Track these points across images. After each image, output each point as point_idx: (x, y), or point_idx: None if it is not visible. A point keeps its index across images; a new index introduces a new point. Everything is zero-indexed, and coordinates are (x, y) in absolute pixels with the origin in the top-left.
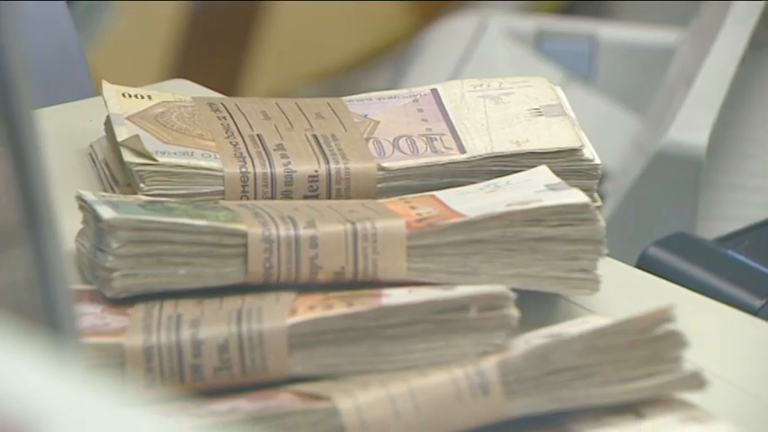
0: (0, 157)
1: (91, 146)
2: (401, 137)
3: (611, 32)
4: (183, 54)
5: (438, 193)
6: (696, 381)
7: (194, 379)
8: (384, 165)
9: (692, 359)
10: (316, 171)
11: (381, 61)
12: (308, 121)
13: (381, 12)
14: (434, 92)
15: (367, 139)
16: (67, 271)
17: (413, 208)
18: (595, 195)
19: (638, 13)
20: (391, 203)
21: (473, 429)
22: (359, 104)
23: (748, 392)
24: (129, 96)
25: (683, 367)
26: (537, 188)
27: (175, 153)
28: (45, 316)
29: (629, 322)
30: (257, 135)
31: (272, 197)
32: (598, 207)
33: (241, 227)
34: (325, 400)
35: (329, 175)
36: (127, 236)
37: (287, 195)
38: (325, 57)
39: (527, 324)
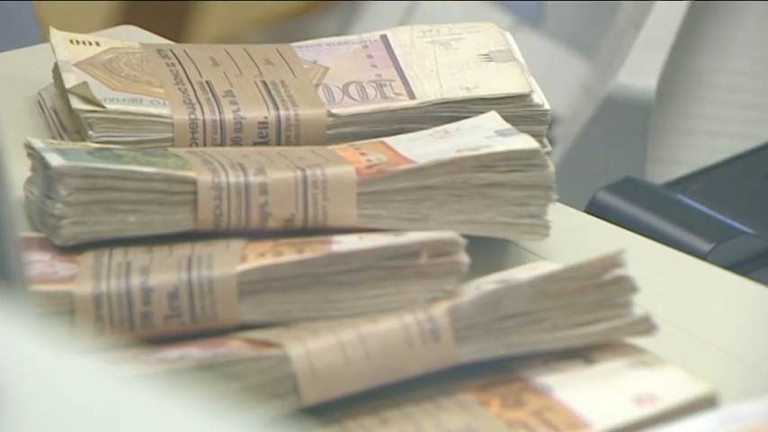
0: None
1: (39, 93)
2: (351, 83)
3: None
4: (131, 0)
5: (388, 140)
6: (645, 325)
7: (144, 326)
8: (334, 111)
9: (641, 304)
10: (265, 118)
11: (330, 7)
12: (258, 67)
13: None
14: (384, 38)
15: (316, 86)
16: (16, 219)
17: (363, 154)
18: (545, 141)
19: None
20: (341, 150)
21: (423, 375)
22: (308, 51)
23: (697, 336)
24: (78, 43)
25: (632, 312)
26: (487, 134)
27: (124, 100)
28: None
29: (578, 268)
30: (206, 82)
31: (222, 144)
32: (547, 152)
33: (190, 174)
34: (275, 346)
35: (279, 121)
36: (76, 183)
37: (236, 142)
38: (273, 2)
39: (477, 270)
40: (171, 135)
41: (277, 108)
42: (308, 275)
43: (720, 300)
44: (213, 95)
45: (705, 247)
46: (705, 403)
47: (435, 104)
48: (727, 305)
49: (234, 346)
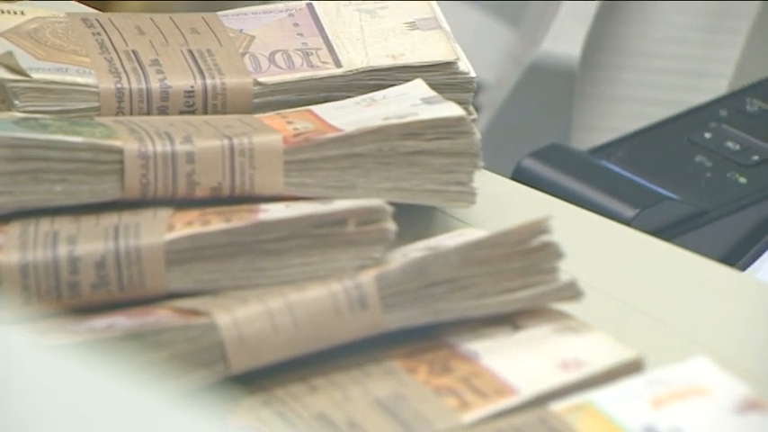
0: None
1: None
2: (277, 51)
3: None
4: None
5: (315, 108)
6: (572, 291)
7: (71, 296)
8: (260, 79)
9: (567, 270)
10: (192, 86)
11: None
12: (184, 36)
13: None
14: (310, 6)
15: (243, 54)
16: None
17: (289, 123)
18: (471, 108)
19: None
20: (268, 118)
21: (351, 342)
22: (234, 19)
23: (622, 302)
24: (2, 12)
25: (558, 278)
26: (413, 102)
27: (50, 69)
28: None
29: (504, 234)
30: (132, 51)
31: (148, 113)
32: (473, 120)
33: (117, 143)
34: (203, 315)
35: (205, 90)
36: (1, 153)
37: (163, 111)
38: None
39: (404, 237)
40: (97, 104)
41: (203, 77)
42: (236, 244)
43: (645, 265)
44: (139, 64)
45: (630, 212)
46: (631, 368)
47: (362, 72)
48: (652, 270)
49: (161, 315)
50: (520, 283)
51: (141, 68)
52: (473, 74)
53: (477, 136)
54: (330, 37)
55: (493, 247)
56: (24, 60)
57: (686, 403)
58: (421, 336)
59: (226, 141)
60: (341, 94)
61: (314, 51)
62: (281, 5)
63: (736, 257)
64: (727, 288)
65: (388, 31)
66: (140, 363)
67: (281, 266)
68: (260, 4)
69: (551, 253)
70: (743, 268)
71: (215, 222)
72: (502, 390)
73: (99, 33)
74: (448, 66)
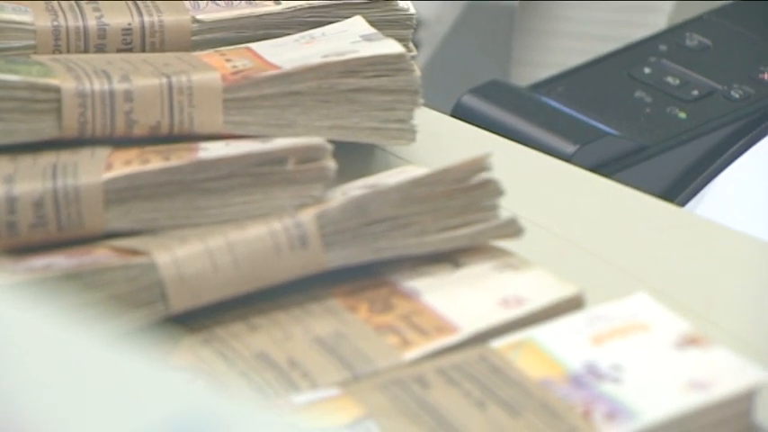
0: None
1: None
2: None
3: None
4: None
5: (253, 46)
6: (512, 228)
7: (9, 236)
8: (198, 17)
9: (507, 207)
10: (129, 24)
11: None
12: None
13: None
14: None
15: None
16: None
17: (228, 60)
18: (410, 45)
19: None
20: (206, 56)
21: (292, 281)
22: None
23: (563, 238)
24: None
25: (499, 215)
26: (352, 39)
27: None
28: None
29: (445, 171)
30: None
31: (86, 51)
32: (413, 57)
33: (54, 81)
34: (142, 254)
35: (143, 27)
36: None
37: (101, 49)
38: None
39: (344, 176)
40: (34, 42)
41: (141, 14)
42: (175, 183)
43: (585, 201)
44: (76, 2)
45: (569, 148)
46: (572, 305)
47: (300, 9)
48: (592, 207)
49: (100, 255)
50: (460, 221)
51: (78, 6)
52: (412, 10)
53: (417, 73)
54: None
55: (433, 184)
56: None
57: (626, 339)
58: (362, 274)
59: (164, 80)
60: (280, 32)
61: None
62: None
63: (676, 193)
64: (666, 224)
65: None
66: (79, 303)
67: (220, 205)
68: None
69: (492, 190)
70: (682, 204)
71: (154, 161)
72: (443, 327)
73: None
74: (387, 2)
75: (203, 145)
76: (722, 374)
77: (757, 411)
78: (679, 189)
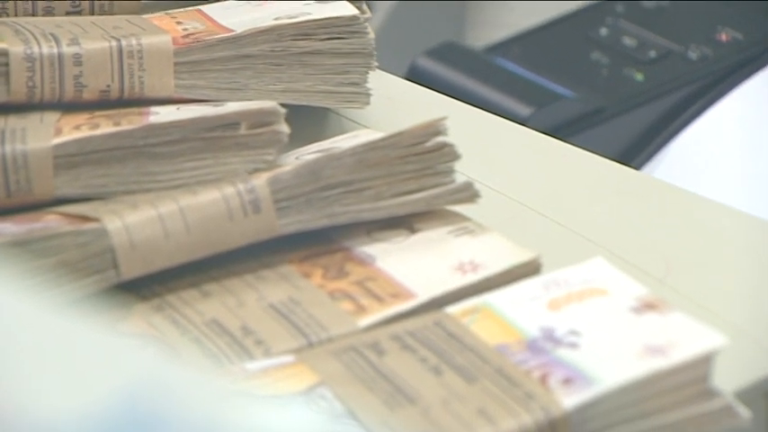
0: None
1: None
2: None
3: None
4: None
5: (204, 8)
6: (468, 193)
7: None
8: None
9: (463, 171)
10: None
11: None
12: None
13: None
14: None
15: None
16: None
17: (179, 23)
18: (364, 7)
19: None
20: (156, 19)
21: (245, 247)
22: None
23: (519, 202)
24: None
25: (454, 180)
26: (305, 1)
27: None
28: None
29: (400, 135)
30: None
31: (34, 14)
32: (367, 19)
33: (2, 45)
34: (93, 220)
35: None
36: None
37: (49, 12)
38: None
39: (298, 140)
40: None
41: None
42: (126, 148)
43: (542, 165)
44: None
45: (525, 111)
46: (528, 270)
47: None
48: (548, 170)
49: (50, 221)
50: (415, 186)
51: None
52: None
53: (371, 35)
54: None
55: (388, 148)
56: None
57: (583, 304)
58: (316, 240)
59: (114, 43)
60: None
61: None
62: None
63: (633, 155)
64: (624, 187)
65: None
66: (29, 269)
67: (172, 170)
68: None
69: (447, 154)
70: (640, 166)
71: (104, 126)
72: (398, 293)
73: None
74: None
75: (154, 109)
76: (680, 339)
77: (715, 375)
78: (636, 151)
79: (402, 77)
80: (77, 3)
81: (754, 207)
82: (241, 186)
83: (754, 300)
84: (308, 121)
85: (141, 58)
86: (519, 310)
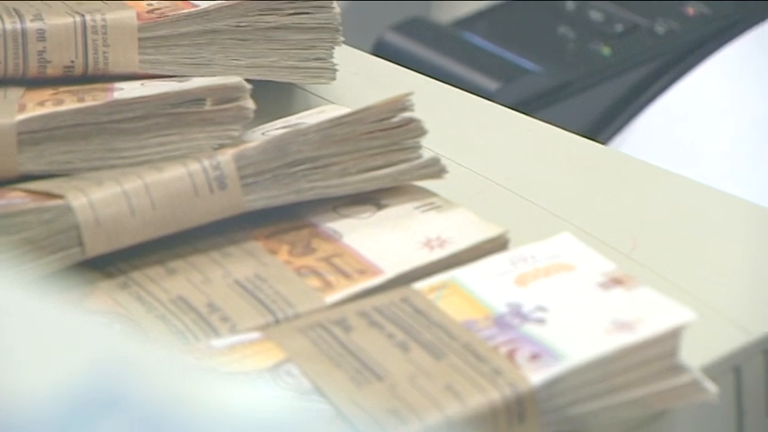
0: None
1: None
2: None
3: None
4: None
5: None
6: (435, 168)
7: None
8: None
9: (430, 147)
10: None
11: None
12: None
13: None
14: None
15: None
16: None
17: None
18: None
19: None
20: None
21: (211, 224)
22: None
23: (487, 178)
24: None
25: (421, 155)
26: None
27: None
28: None
29: (366, 111)
30: None
31: None
32: None
33: None
34: (57, 197)
35: None
36: None
37: None
38: None
39: (263, 115)
40: None
41: None
42: (90, 124)
43: (509, 140)
44: None
45: (492, 86)
46: (495, 245)
47: None
48: (515, 146)
49: (14, 198)
50: (382, 161)
51: None
52: None
53: (337, 10)
54: None
55: (354, 124)
56: None
57: (550, 280)
58: (282, 216)
59: (78, 18)
60: None
61: None
62: None
63: (600, 130)
64: (591, 162)
65: None
66: None
67: (137, 146)
68: None
69: (414, 129)
70: (606, 141)
71: (68, 102)
72: (365, 269)
73: None
74: None
75: (118, 85)
76: (647, 314)
77: (682, 351)
78: (603, 126)
79: (368, 53)
80: None
81: (721, 181)
82: (206, 163)
83: (722, 274)
84: (274, 97)
85: (105, 33)
86: (486, 285)
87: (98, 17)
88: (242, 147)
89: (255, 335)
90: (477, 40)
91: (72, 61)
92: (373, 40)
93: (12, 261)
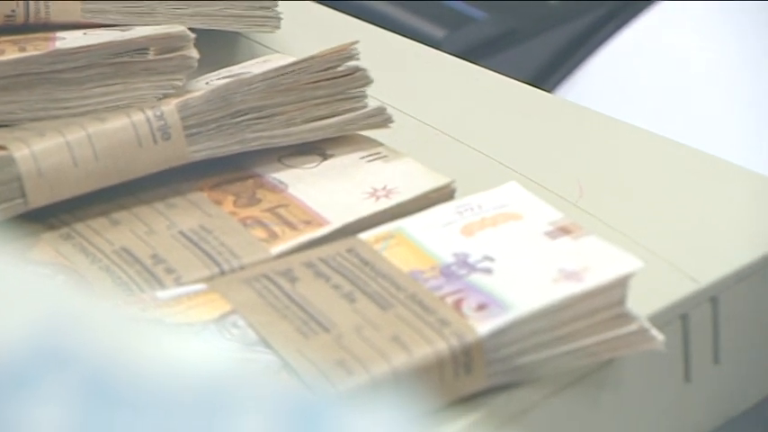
0: None
1: None
2: None
3: None
4: None
5: None
6: (380, 117)
7: None
8: None
9: (376, 96)
10: None
11: None
12: None
13: None
14: None
15: None
16: None
17: None
18: None
19: None
20: None
21: (155, 175)
22: None
23: (432, 127)
24: None
25: (367, 104)
26: None
27: None
28: None
29: (311, 60)
30: None
31: None
32: None
33: None
34: None
35: None
36: None
37: None
38: None
39: (208, 65)
40: None
41: None
42: (32, 74)
43: (455, 89)
44: None
45: (438, 34)
46: (442, 195)
47: None
48: (461, 94)
49: None
50: (327, 111)
51: None
52: None
53: None
54: None
55: (299, 73)
56: None
57: (497, 229)
58: (227, 167)
59: None
60: None
61: None
62: None
63: (546, 78)
64: (537, 110)
65: None
66: None
67: (79, 97)
68: None
69: (359, 78)
70: (552, 89)
71: (9, 52)
72: (311, 220)
73: None
74: None
75: (60, 35)
76: (594, 263)
77: (630, 299)
78: (550, 74)
79: (313, 1)
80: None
81: (667, 129)
82: (150, 113)
83: (669, 223)
84: (218, 46)
85: None
86: (432, 235)
87: None
88: (186, 97)
89: (201, 286)
90: None
91: (13, 11)
92: None
93: None
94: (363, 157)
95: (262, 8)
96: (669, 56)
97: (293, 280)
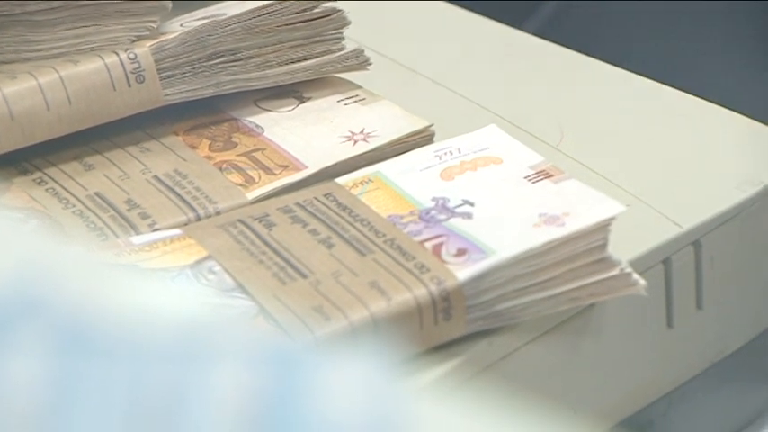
0: None
1: None
2: None
3: None
4: None
5: None
6: (358, 60)
7: None
8: None
9: (353, 38)
10: None
11: None
12: None
13: None
14: None
15: None
16: None
17: None
18: None
19: None
20: None
21: (129, 118)
22: None
23: (411, 69)
24: None
25: (344, 47)
26: None
27: None
28: None
29: (288, 1)
30: None
31: None
32: None
33: None
34: None
35: None
36: None
37: None
38: None
39: (182, 7)
40: None
41: None
42: (3, 15)
43: (434, 31)
44: None
45: None
46: (421, 138)
47: None
48: (440, 36)
49: None
50: (304, 53)
51: None
52: None
53: None
54: None
55: (276, 14)
56: None
57: (477, 173)
58: (202, 110)
59: None
60: None
61: None
62: None
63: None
64: (516, 51)
65: None
66: None
67: (52, 39)
68: None
69: (336, 20)
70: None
71: None
72: (287, 164)
73: None
74: None
75: None
76: (576, 207)
77: (612, 244)
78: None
79: None
80: None
81: (650, 70)
82: (123, 55)
83: (651, 167)
84: None
85: None
86: (411, 180)
87: None
88: (160, 39)
89: (176, 231)
90: None
91: None
92: None
93: None
94: (341, 101)
95: None
96: None
97: (270, 225)
